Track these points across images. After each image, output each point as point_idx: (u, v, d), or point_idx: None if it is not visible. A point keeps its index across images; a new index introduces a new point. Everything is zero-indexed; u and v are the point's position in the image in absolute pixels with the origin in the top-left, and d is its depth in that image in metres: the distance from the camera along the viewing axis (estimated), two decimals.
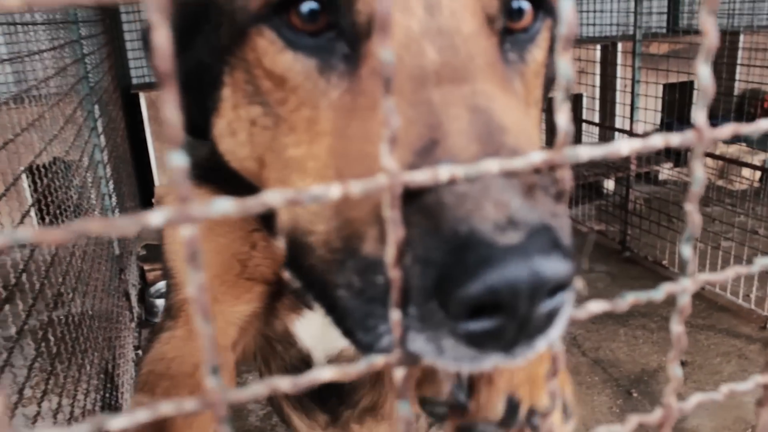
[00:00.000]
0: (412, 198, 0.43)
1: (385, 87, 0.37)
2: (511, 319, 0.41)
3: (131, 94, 4.95)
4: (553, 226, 0.43)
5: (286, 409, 1.35)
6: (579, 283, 0.46)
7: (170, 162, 0.34)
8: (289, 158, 0.61)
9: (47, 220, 2.34)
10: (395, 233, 0.38)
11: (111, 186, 3.50)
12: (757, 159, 4.43)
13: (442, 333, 0.42)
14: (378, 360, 0.41)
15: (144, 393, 0.86)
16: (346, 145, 0.55)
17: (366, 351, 0.50)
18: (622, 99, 4.65)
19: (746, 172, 4.71)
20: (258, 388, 0.40)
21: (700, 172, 0.45)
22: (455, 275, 0.41)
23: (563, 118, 0.40)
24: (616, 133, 4.81)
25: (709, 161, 4.86)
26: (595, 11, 5.24)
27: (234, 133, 0.69)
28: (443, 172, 0.38)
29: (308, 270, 0.58)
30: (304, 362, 1.05)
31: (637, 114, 4.05)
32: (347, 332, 0.53)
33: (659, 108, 4.52)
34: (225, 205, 0.36)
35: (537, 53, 0.66)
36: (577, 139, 5.36)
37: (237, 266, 0.89)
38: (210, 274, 0.89)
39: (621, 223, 4.24)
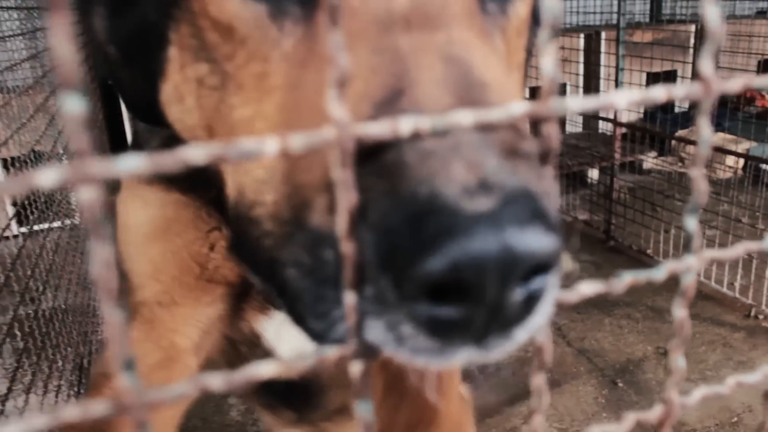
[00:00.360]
0: (371, 158, 0.36)
1: (331, 18, 0.30)
2: (479, 305, 0.34)
3: (109, 86, 4.82)
4: (535, 192, 0.36)
5: (255, 406, 1.29)
6: (566, 263, 0.39)
7: (64, 108, 0.27)
8: (237, 121, 0.54)
9: (23, 213, 2.26)
10: (347, 199, 0.31)
11: None
12: (741, 147, 4.41)
13: (399, 319, 0.35)
14: (330, 352, 0.34)
15: (92, 395, 0.79)
16: (299, 101, 0.48)
17: (320, 341, 0.43)
18: (605, 87, 4.62)
19: (730, 160, 4.69)
20: (183, 388, 0.33)
21: (706, 131, 0.39)
22: (410, 248, 0.33)
23: (548, 61, 0.34)
24: (600, 121, 4.77)
25: (692, 149, 4.84)
26: (578, 0, 5.20)
27: (181, 98, 0.62)
28: (405, 124, 0.32)
29: (255, 249, 0.50)
30: None
31: None
32: (298, 319, 0.46)
33: None
34: (133, 162, 0.29)
35: (520, 7, 0.58)
36: (562, 126, 5.32)
37: (195, 268, 0.83)
38: (167, 276, 0.83)
39: (605, 212, 4.21)
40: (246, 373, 0.33)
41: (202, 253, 0.83)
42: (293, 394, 1.16)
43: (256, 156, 0.30)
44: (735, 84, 0.39)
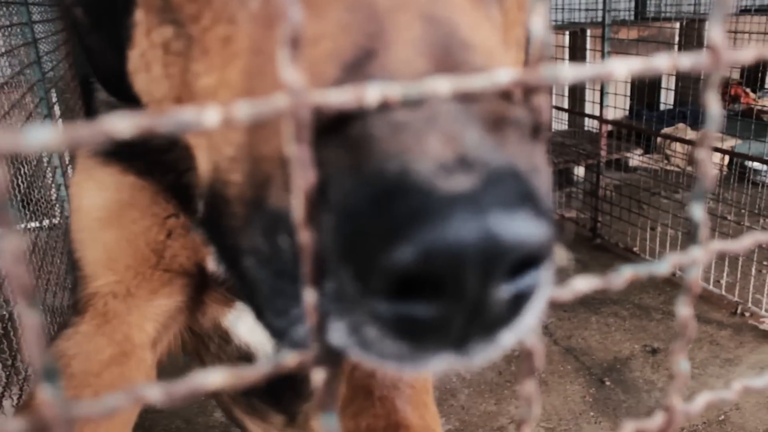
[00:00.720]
0: (333, 131, 0.31)
1: None
2: (456, 302, 0.29)
3: (90, 82, 4.72)
4: (524, 171, 0.31)
5: (238, 414, 1.23)
6: (560, 254, 0.34)
7: None
8: (200, 90, 0.49)
9: None
10: (302, 178, 0.27)
11: (68, 176, 3.32)
12: (726, 145, 4.41)
13: (362, 319, 0.30)
14: (288, 359, 0.30)
15: (22, 410, 0.74)
16: (264, 67, 0.43)
17: (281, 340, 0.38)
18: (591, 84, 4.59)
19: (715, 157, 4.69)
20: (116, 400, 0.28)
21: (715, 107, 0.35)
22: (375, 233, 0.28)
23: (538, 23, 0.29)
24: (586, 119, 4.75)
25: (679, 147, 4.84)
26: None
27: (148, 66, 0.57)
28: (372, 92, 0.27)
29: (223, 233, 0.45)
30: (246, 359, 0.94)
31: (606, 99, 3.98)
32: (258, 315, 0.41)
33: (628, 93, 4.47)
34: (44, 134, 0.24)
35: None
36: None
37: (152, 257, 0.78)
38: (122, 266, 0.78)
39: (591, 210, 4.19)
40: (189, 383, 0.29)
41: (158, 241, 0.78)
42: (282, 386, 1.11)
43: (193, 128, 0.25)
44: (746, 54, 0.35)
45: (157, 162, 0.72)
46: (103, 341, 0.76)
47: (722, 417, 2.63)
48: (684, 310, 0.38)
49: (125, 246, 0.78)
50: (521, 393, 0.33)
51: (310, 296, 0.28)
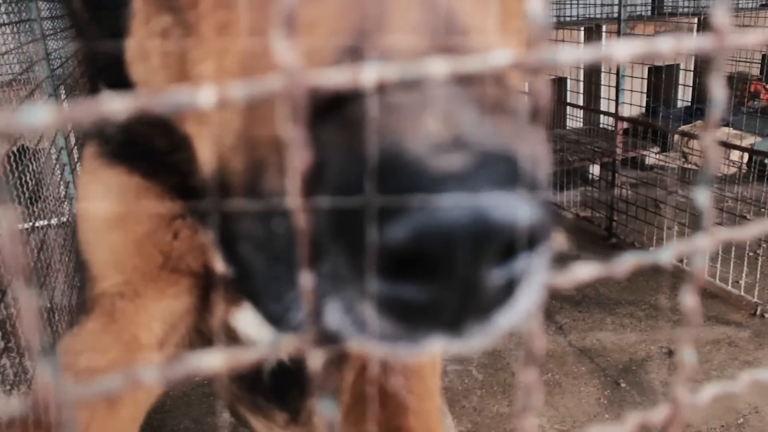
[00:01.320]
0: (330, 112, 0.31)
1: None
2: (449, 282, 0.29)
3: (96, 83, 4.76)
4: (519, 154, 0.31)
5: (241, 411, 1.23)
6: (557, 239, 0.34)
7: None
8: (198, 78, 0.50)
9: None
10: (299, 158, 0.27)
11: (77, 174, 3.35)
12: (746, 142, 4.35)
13: (355, 299, 0.30)
14: (285, 342, 0.30)
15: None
16: (262, 53, 0.43)
17: (278, 328, 0.38)
18: (606, 81, 4.55)
19: (734, 155, 4.64)
20: (113, 382, 0.29)
21: (718, 92, 0.34)
22: (368, 212, 0.28)
23: (536, 3, 0.29)
24: (602, 117, 4.71)
25: (696, 145, 4.78)
26: None
27: (147, 56, 0.57)
28: (369, 72, 0.27)
29: (222, 223, 0.46)
30: None
31: (622, 96, 3.94)
32: (255, 301, 0.41)
33: (644, 90, 4.43)
34: (41, 114, 0.25)
35: None
36: (562, 122, 5.26)
37: (159, 257, 0.78)
38: (129, 266, 0.78)
39: (607, 209, 4.15)
40: (185, 364, 0.29)
41: (165, 242, 0.78)
42: (287, 382, 1.11)
43: (188, 107, 0.25)
44: (752, 37, 0.34)
45: (163, 163, 0.72)
46: (109, 340, 0.77)
47: (741, 420, 2.59)
48: (689, 299, 0.37)
49: (132, 247, 0.78)
50: (521, 381, 0.32)
51: (306, 279, 0.28)
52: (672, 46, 0.32)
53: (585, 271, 0.34)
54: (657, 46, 0.32)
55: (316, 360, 0.30)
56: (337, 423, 0.31)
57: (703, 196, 0.35)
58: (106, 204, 0.78)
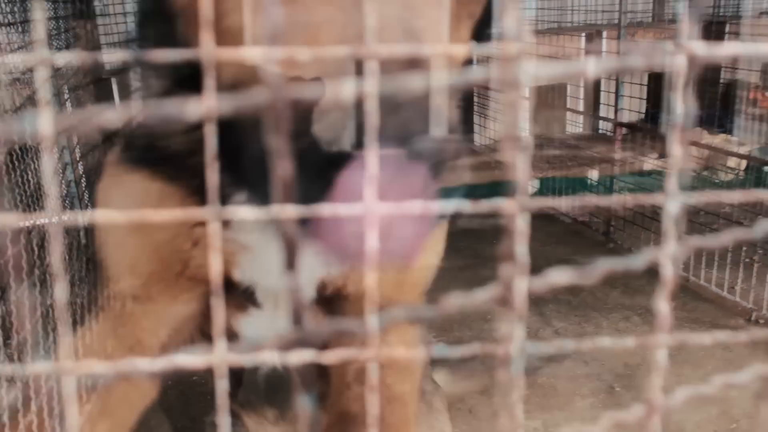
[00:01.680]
0: None
1: None
2: None
3: (103, 79, 4.79)
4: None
5: (233, 407, 1.25)
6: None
7: None
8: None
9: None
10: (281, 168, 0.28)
11: (79, 172, 3.36)
12: (743, 150, 4.37)
13: None
14: (268, 341, 0.31)
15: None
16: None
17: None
18: (606, 87, 4.57)
19: (731, 162, 4.65)
20: (101, 368, 0.30)
21: (682, 106, 0.36)
22: None
23: (510, 19, 0.30)
24: (601, 122, 4.72)
25: (695, 151, 4.80)
26: None
27: None
28: (348, 86, 0.28)
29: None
30: None
31: (621, 102, 3.96)
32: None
33: (644, 96, 4.45)
34: (40, 122, 0.26)
35: None
36: (561, 128, 5.27)
37: (177, 264, 0.79)
38: (147, 271, 0.79)
39: (605, 214, 4.17)
40: (173, 360, 0.30)
41: (184, 249, 0.79)
42: (278, 384, 1.13)
43: (177, 119, 0.27)
44: (721, 50, 0.36)
45: (183, 167, 0.73)
46: (113, 344, 0.78)
47: (734, 425, 2.60)
48: (662, 305, 0.39)
49: (150, 253, 0.78)
50: (499, 333, 0.34)
51: (290, 280, 0.29)
52: (643, 62, 0.34)
53: (558, 276, 0.36)
54: (629, 62, 0.33)
55: (296, 358, 0.31)
56: (318, 420, 0.33)
57: (672, 206, 0.36)
58: (126, 207, 0.79)
